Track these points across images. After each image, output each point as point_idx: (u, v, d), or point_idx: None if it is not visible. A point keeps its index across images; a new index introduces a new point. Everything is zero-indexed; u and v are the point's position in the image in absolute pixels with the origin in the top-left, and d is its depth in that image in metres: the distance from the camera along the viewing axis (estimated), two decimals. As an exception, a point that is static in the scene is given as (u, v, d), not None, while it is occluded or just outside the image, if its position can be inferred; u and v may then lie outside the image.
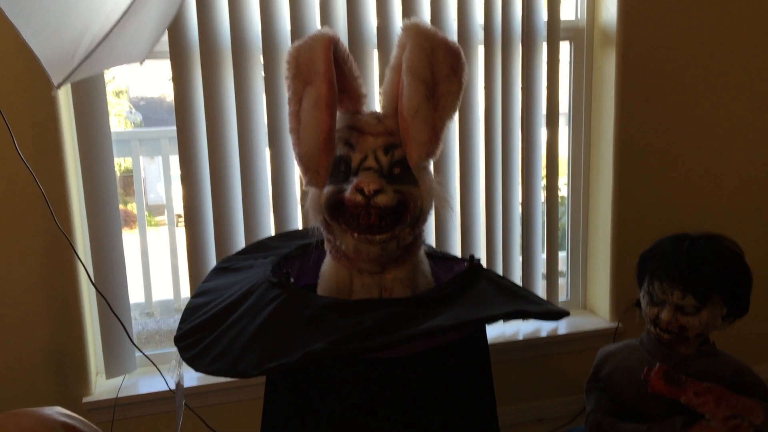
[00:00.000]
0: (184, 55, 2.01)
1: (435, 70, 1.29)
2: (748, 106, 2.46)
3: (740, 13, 2.38)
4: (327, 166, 1.29)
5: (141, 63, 1.63)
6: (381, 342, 1.10)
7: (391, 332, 1.11)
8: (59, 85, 1.28)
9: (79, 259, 1.92)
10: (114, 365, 2.10)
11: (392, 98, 1.34)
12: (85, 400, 2.03)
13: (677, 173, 2.45)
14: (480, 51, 2.26)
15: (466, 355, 1.36)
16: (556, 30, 2.31)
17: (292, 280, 1.35)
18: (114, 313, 1.93)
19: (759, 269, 1.70)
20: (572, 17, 2.43)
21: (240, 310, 1.29)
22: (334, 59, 1.30)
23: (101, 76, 1.97)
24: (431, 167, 1.45)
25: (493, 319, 1.21)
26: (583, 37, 2.42)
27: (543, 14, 2.29)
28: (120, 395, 2.04)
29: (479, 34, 2.24)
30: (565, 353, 2.47)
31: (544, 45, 2.31)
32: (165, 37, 1.97)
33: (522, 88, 2.32)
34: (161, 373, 2.03)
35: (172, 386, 1.98)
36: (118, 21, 1.26)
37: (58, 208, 1.88)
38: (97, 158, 1.99)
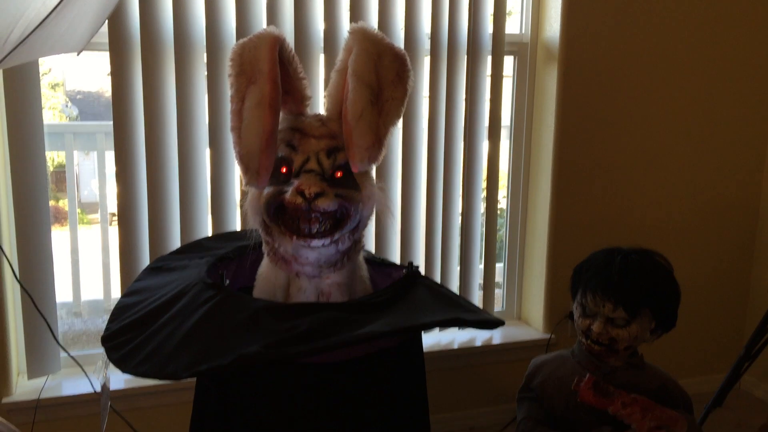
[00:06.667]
0: (125, 48, 1.96)
1: (380, 75, 1.30)
2: (682, 124, 2.55)
3: (678, 33, 2.46)
4: (268, 166, 1.28)
5: (78, 53, 1.58)
6: (316, 346, 1.09)
7: (327, 337, 1.10)
8: (-11, 71, 1.23)
9: (4, 254, 1.85)
10: (37, 365, 2.02)
11: (337, 101, 1.33)
12: (5, 400, 1.95)
13: (612, 189, 2.51)
14: (426, 60, 2.27)
15: (401, 362, 1.36)
16: (500, 43, 2.34)
17: (227, 281, 1.32)
18: (39, 311, 1.87)
19: (687, 285, 1.75)
20: (517, 31, 2.47)
21: (172, 311, 1.26)
22: (279, 59, 1.28)
23: (35, 65, 1.90)
24: (373, 173, 1.45)
25: (428, 327, 1.22)
26: (526, 51, 2.46)
27: (489, 27, 2.32)
28: (42, 396, 1.96)
29: (425, 43, 2.26)
30: (498, 363, 2.50)
31: (489, 58, 2.34)
32: (105, 29, 1.92)
33: (466, 100, 2.34)
34: (86, 375, 1.96)
35: (98, 388, 1.91)
36: (56, 7, 1.22)
37: (-17, 200, 1.80)
38: (28, 150, 1.92)
